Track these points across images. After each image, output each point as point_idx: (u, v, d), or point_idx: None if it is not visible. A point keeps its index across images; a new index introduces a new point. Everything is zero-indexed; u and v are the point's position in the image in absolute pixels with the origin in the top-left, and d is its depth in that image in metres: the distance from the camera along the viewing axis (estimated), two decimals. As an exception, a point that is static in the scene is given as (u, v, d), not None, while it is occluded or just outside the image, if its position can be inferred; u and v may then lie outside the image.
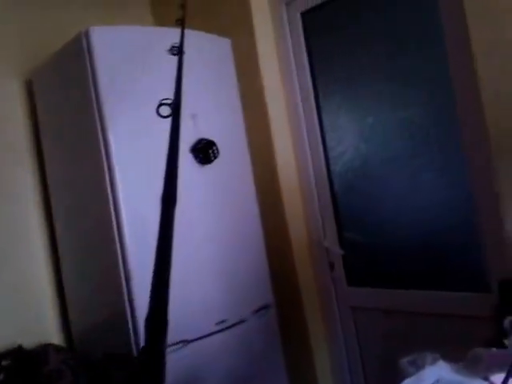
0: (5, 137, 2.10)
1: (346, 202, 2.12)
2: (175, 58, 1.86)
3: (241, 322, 1.93)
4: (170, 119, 1.06)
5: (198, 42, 1.98)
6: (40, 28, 2.23)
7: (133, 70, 1.78)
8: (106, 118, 1.72)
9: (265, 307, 2.01)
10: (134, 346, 1.69)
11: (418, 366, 1.10)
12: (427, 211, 1.86)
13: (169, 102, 1.06)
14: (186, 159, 1.85)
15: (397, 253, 1.98)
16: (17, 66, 2.17)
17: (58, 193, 2.09)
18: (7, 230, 2.05)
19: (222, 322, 1.87)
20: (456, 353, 1.21)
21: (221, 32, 2.11)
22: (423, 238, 1.89)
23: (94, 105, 1.74)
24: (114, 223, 1.72)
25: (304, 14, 2.13)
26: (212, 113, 1.97)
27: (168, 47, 1.87)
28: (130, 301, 1.70)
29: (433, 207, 1.84)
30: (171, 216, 0.85)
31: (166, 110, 1.05)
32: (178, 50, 1.17)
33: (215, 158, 1.89)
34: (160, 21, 2.58)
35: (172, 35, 1.92)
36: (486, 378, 1.10)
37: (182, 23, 1.20)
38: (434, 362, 1.11)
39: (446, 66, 1.70)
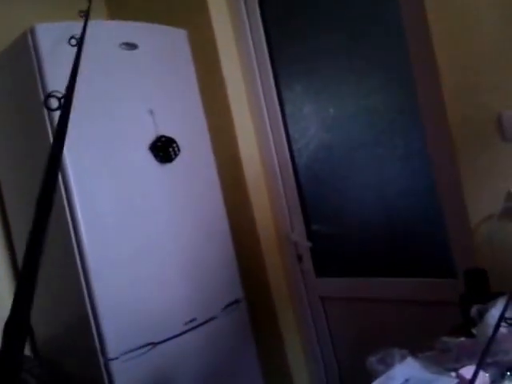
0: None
1: (312, 194, 2.11)
2: (129, 53, 1.81)
3: (211, 319, 1.91)
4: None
5: (152, 35, 1.92)
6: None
7: (84, 67, 1.68)
8: (54, 115, 1.63)
9: (235, 302, 2.00)
10: (99, 351, 1.65)
11: (387, 364, 1.10)
12: (392, 200, 1.87)
13: (59, 94, 0.95)
14: (145, 158, 1.81)
15: (363, 242, 1.98)
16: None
17: (11, 194, 2.00)
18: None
19: (191, 321, 1.85)
20: (423, 340, 1.22)
21: (176, 23, 2.03)
22: (389, 226, 1.90)
23: (43, 105, 1.64)
24: (69, 220, 1.65)
25: (262, 2, 2.07)
26: (170, 108, 1.91)
27: (120, 42, 1.81)
28: (92, 303, 1.65)
29: (397, 196, 1.85)
30: (45, 220, 0.76)
31: (55, 103, 0.96)
32: (79, 41, 1.06)
33: (176, 155, 1.84)
34: (115, 14, 2.48)
35: (125, 29, 1.86)
36: (455, 370, 1.10)
37: (86, 14, 1.11)
38: (402, 359, 1.11)
39: (407, 52, 1.67)
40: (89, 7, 1.12)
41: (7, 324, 0.68)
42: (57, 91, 0.95)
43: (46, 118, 1.64)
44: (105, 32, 1.79)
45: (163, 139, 1.82)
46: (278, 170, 2.14)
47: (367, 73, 1.84)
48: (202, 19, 2.08)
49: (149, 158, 1.81)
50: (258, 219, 2.13)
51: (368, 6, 1.79)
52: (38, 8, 2.23)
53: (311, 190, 2.11)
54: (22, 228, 1.99)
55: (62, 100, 0.89)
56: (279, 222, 2.17)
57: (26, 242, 0.72)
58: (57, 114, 1.57)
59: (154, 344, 1.71)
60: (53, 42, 1.64)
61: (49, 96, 0.93)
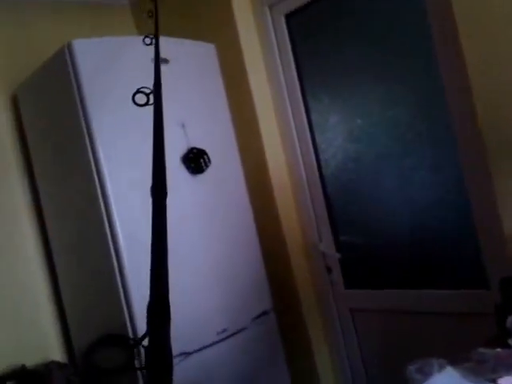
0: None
1: (340, 204, 2.11)
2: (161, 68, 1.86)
3: (242, 329, 1.92)
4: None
5: (182, 49, 1.97)
6: (25, 43, 2.21)
7: (117, 80, 1.75)
8: (92, 127, 1.70)
9: (264, 313, 2.01)
10: (135, 358, 1.65)
11: (426, 374, 1.09)
12: (422, 209, 1.86)
13: (147, 91, 1.02)
14: (177, 169, 1.84)
15: (393, 253, 1.97)
16: (2, 81, 2.14)
17: (50, 207, 2.06)
18: (6, 251, 2.03)
19: (223, 331, 1.86)
20: (458, 352, 1.20)
21: (204, 37, 2.09)
22: (419, 236, 1.89)
23: (80, 115, 1.71)
24: (108, 230, 1.69)
25: (288, 16, 2.10)
26: (201, 120, 1.95)
27: (152, 57, 1.85)
28: (129, 313, 1.68)
29: (428, 205, 1.84)
30: (163, 208, 0.85)
31: (142, 99, 1.01)
32: (154, 40, 1.22)
33: (207, 166, 1.87)
34: (143, 30, 2.55)
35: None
36: (493, 380, 1.09)
37: (155, 14, 1.18)
38: (441, 368, 1.09)
39: (435, 62, 1.68)
40: (155, 6, 1.15)
41: (149, 311, 0.73)
42: (145, 87, 1.01)
43: (84, 129, 1.70)
44: (137, 48, 1.84)
45: (195, 151, 1.85)
46: (305, 180, 2.16)
47: (394, 83, 1.85)
48: (230, 34, 2.13)
49: (181, 169, 1.84)
50: (285, 230, 2.14)
51: (395, 17, 1.81)
52: (75, 24, 2.32)
53: (339, 200, 2.11)
54: (60, 242, 2.06)
55: (151, 95, 1.00)
56: (307, 232, 2.18)
57: (152, 235, 0.81)
58: (103, 121, 1.66)
59: (188, 354, 1.72)
60: (90, 56, 1.70)
61: (137, 92, 1.00)
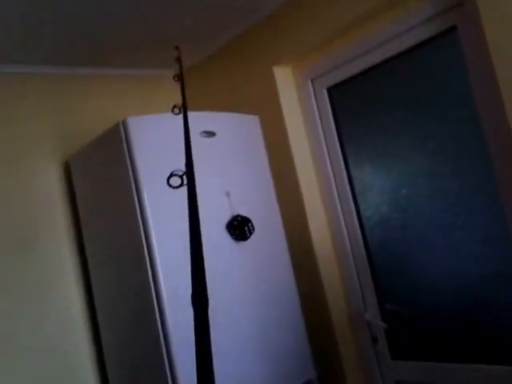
0: (44, 216, 2.18)
1: (385, 273, 2.08)
2: (208, 140, 1.96)
3: (285, 399, 1.88)
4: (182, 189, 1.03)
5: (228, 122, 2.07)
6: (78, 114, 2.37)
7: (169, 155, 1.84)
8: (144, 200, 1.77)
9: (308, 383, 1.96)
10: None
11: None
12: (471, 281, 1.81)
13: (180, 173, 1.03)
14: (221, 236, 1.89)
15: (442, 325, 1.90)
16: (55, 149, 2.29)
17: (99, 273, 2.13)
18: (54, 315, 2.10)
19: (267, 399, 1.82)
20: None
21: (249, 110, 2.19)
22: (468, 309, 1.83)
23: (133, 189, 1.79)
24: (154, 297, 1.73)
25: (330, 89, 2.18)
26: (245, 189, 2.00)
27: (200, 130, 1.97)
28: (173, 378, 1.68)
29: (478, 277, 1.79)
30: (206, 318, 0.79)
31: (176, 181, 1.05)
32: (183, 109, 1.16)
33: (251, 234, 1.91)
34: (189, 105, 2.70)
35: (204, 119, 2.02)
36: None
37: (180, 78, 1.19)
38: None
39: (480, 131, 1.69)
40: (180, 69, 1.20)
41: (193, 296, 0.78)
42: (178, 170, 1.06)
43: (136, 201, 1.78)
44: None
45: (239, 218, 1.89)
46: (349, 248, 2.15)
47: (440, 154, 1.85)
48: (274, 106, 2.23)
49: (225, 236, 1.89)
50: (329, 298, 2.12)
51: (437, 85, 1.83)
52: (126, 95, 2.49)
53: (384, 269, 2.08)
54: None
55: (184, 176, 1.00)
56: (352, 301, 2.15)
57: (196, 347, 0.79)
58: (154, 194, 1.74)
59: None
60: (143, 133, 1.81)
61: (171, 176, 1.04)
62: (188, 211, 0.97)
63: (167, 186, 1.77)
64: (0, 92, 2.16)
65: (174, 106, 1.21)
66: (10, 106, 2.18)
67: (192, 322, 1.61)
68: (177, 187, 1.05)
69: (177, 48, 1.22)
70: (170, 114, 2.11)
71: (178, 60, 1.20)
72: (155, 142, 1.84)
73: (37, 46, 2.08)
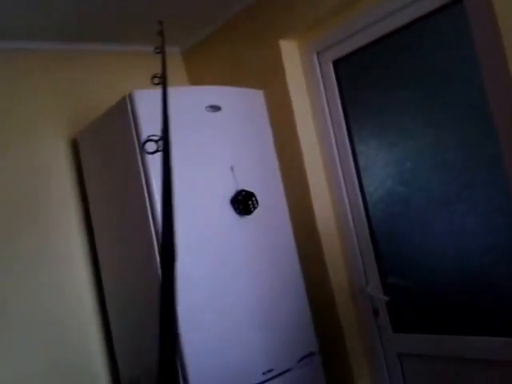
0: (52, 192, 2.21)
1: (387, 246, 2.09)
2: (213, 115, 1.97)
3: (287, 370, 1.93)
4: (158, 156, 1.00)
5: (232, 97, 2.07)
6: (85, 90, 2.38)
7: (175, 128, 1.85)
8: (151, 175, 1.79)
9: (310, 355, 2.01)
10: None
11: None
12: (473, 254, 1.82)
13: (156, 138, 1.02)
14: (225, 210, 1.91)
15: (444, 297, 1.93)
16: (63, 126, 2.30)
17: (106, 250, 2.17)
18: (57, 290, 2.13)
19: (269, 371, 1.88)
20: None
21: (254, 84, 2.19)
22: (471, 281, 1.85)
23: (139, 163, 1.81)
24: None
25: (336, 62, 2.16)
26: (249, 164, 2.02)
27: (206, 105, 1.97)
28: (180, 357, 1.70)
29: (479, 250, 1.80)
30: (172, 273, 0.77)
31: (152, 146, 1.04)
32: (162, 80, 1.14)
33: (255, 208, 1.93)
34: (194, 80, 2.70)
35: (210, 93, 2.03)
36: None
37: (162, 51, 1.18)
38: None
39: (485, 104, 1.68)
40: (163, 42, 1.19)
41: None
42: (154, 135, 1.05)
43: (142, 173, 1.80)
44: (192, 96, 1.96)
45: (243, 193, 1.91)
46: (351, 222, 2.17)
47: (445, 126, 1.85)
48: (279, 80, 2.22)
49: (229, 210, 1.91)
50: (331, 272, 2.14)
51: (444, 59, 1.82)
52: (137, 77, 2.49)
53: (386, 243, 2.09)
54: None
55: (160, 142, 0.97)
56: (353, 274, 2.17)
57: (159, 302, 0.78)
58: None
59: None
60: (149, 107, 1.82)
61: (147, 141, 1.02)
62: (162, 169, 0.95)
63: (174, 162, 1.81)
64: (7, 68, 2.17)
65: (154, 76, 1.20)
66: (17, 82, 2.20)
67: (199, 302, 1.64)
68: (152, 153, 1.04)
69: (160, 23, 1.22)
70: (176, 88, 2.12)
71: (161, 34, 1.20)
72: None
73: (43, 21, 2.08)
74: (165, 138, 0.97)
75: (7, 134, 2.13)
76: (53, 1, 1.92)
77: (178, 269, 1.69)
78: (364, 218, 2.12)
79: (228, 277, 1.87)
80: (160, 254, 0.79)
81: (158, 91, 1.86)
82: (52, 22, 2.10)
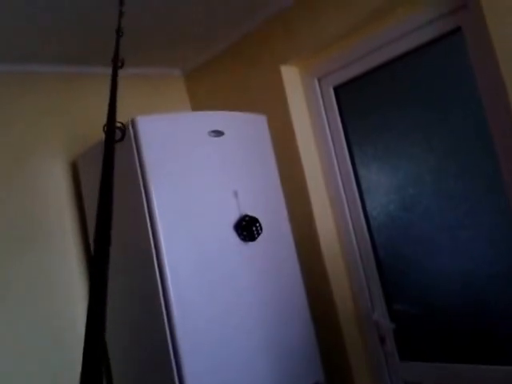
0: (51, 216, 2.17)
1: (392, 272, 2.07)
2: (216, 140, 1.95)
3: (293, 401, 1.87)
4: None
5: (235, 122, 2.06)
6: (86, 113, 2.36)
7: (179, 153, 1.84)
8: (152, 199, 1.75)
9: (315, 385, 1.96)
10: None
11: None
12: (479, 280, 1.80)
13: (119, 125, 0.98)
14: (229, 236, 1.88)
15: (451, 324, 1.90)
16: (63, 150, 2.28)
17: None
18: (54, 319, 2.08)
19: (274, 401, 1.82)
20: None
21: (256, 109, 2.19)
22: (477, 308, 1.82)
23: (142, 189, 1.78)
24: (163, 308, 1.71)
25: (336, 88, 2.18)
26: (253, 189, 2.00)
27: (209, 130, 1.96)
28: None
29: (484, 276, 1.78)
30: (105, 258, 0.70)
31: (116, 135, 0.98)
32: (114, 60, 1.11)
33: (259, 234, 1.89)
34: (196, 102, 2.70)
35: (213, 118, 2.02)
36: None
37: (118, 32, 1.20)
38: None
39: (486, 130, 1.68)
40: (119, 24, 1.21)
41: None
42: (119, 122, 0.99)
43: (145, 205, 1.76)
44: (196, 121, 1.95)
45: (247, 218, 1.89)
46: (356, 247, 2.14)
47: (446, 153, 1.85)
48: (281, 105, 2.22)
49: (233, 236, 1.88)
50: (337, 299, 2.11)
51: (445, 85, 1.82)
52: (134, 94, 2.49)
53: (392, 269, 2.07)
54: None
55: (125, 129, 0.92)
56: (359, 301, 2.14)
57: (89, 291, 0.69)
58: (162, 191, 1.73)
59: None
60: (152, 132, 1.81)
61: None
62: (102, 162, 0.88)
63: (176, 187, 1.79)
64: (10, 90, 2.16)
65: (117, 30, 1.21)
66: (19, 105, 2.18)
67: (201, 329, 1.59)
68: (117, 141, 0.97)
69: (120, 3, 1.25)
70: (179, 113, 2.11)
71: (120, 14, 1.23)
72: (164, 141, 1.83)
73: (46, 44, 2.08)
74: (109, 124, 0.94)
75: (6, 156, 2.10)
76: (52, 25, 1.91)
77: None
78: (369, 243, 2.10)
79: (232, 304, 1.83)
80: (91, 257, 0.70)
81: (161, 117, 1.89)
82: (52, 45, 2.10)
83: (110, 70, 2.54)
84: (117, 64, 1.11)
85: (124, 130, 0.93)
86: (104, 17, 1.93)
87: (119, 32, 1.20)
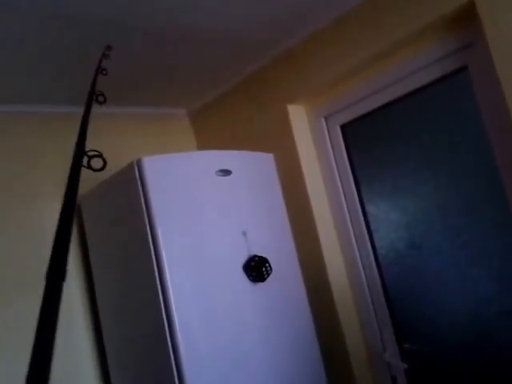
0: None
1: (402, 311, 2.05)
2: (223, 179, 1.94)
3: None
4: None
5: (243, 161, 2.06)
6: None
7: (184, 193, 1.83)
8: (159, 240, 1.73)
9: (327, 428, 1.90)
10: None
11: None
12: (491, 318, 1.78)
13: (96, 153, 0.93)
14: (238, 277, 1.85)
15: (464, 364, 1.87)
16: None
17: (110, 316, 2.09)
18: (57, 358, 2.02)
19: None
20: None
21: (264, 147, 2.19)
22: (488, 346, 1.79)
23: (147, 229, 1.76)
24: (171, 352, 1.68)
25: (343, 127, 2.19)
26: (261, 228, 1.98)
27: (216, 169, 1.95)
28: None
29: (496, 314, 1.76)
30: (57, 294, 0.63)
31: (98, 163, 0.93)
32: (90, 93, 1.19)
33: (268, 275, 1.87)
34: (202, 141, 2.71)
35: (220, 157, 2.02)
36: None
37: (97, 71, 1.29)
38: None
39: (495, 168, 1.68)
40: (100, 62, 1.28)
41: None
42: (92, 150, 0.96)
43: (151, 245, 1.74)
44: (203, 161, 1.94)
45: (256, 259, 1.86)
46: (366, 287, 2.12)
47: (454, 191, 1.84)
48: (288, 143, 2.23)
49: (242, 277, 1.85)
50: (348, 339, 2.07)
51: (451, 124, 1.83)
52: (143, 140, 2.49)
53: (402, 307, 2.04)
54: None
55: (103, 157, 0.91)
56: (370, 341, 2.11)
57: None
58: (173, 236, 1.72)
59: None
60: (158, 173, 1.80)
61: (92, 157, 0.93)
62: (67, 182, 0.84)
63: (184, 228, 1.77)
64: (18, 130, 2.16)
65: (100, 95, 1.24)
66: (28, 145, 2.18)
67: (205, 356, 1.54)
68: (99, 170, 0.92)
69: (108, 47, 1.36)
70: (186, 153, 2.10)
71: (104, 56, 1.33)
72: (170, 181, 1.82)
73: (55, 85, 2.09)
74: (78, 151, 0.93)
75: (7, 198, 2.09)
76: (57, 69, 1.93)
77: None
78: (378, 281, 2.08)
79: (242, 346, 1.79)
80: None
81: (167, 156, 1.88)
82: (54, 86, 2.11)
83: (109, 110, 2.56)
84: (92, 97, 1.20)
85: (104, 158, 0.89)
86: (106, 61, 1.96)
87: (98, 70, 1.31)
